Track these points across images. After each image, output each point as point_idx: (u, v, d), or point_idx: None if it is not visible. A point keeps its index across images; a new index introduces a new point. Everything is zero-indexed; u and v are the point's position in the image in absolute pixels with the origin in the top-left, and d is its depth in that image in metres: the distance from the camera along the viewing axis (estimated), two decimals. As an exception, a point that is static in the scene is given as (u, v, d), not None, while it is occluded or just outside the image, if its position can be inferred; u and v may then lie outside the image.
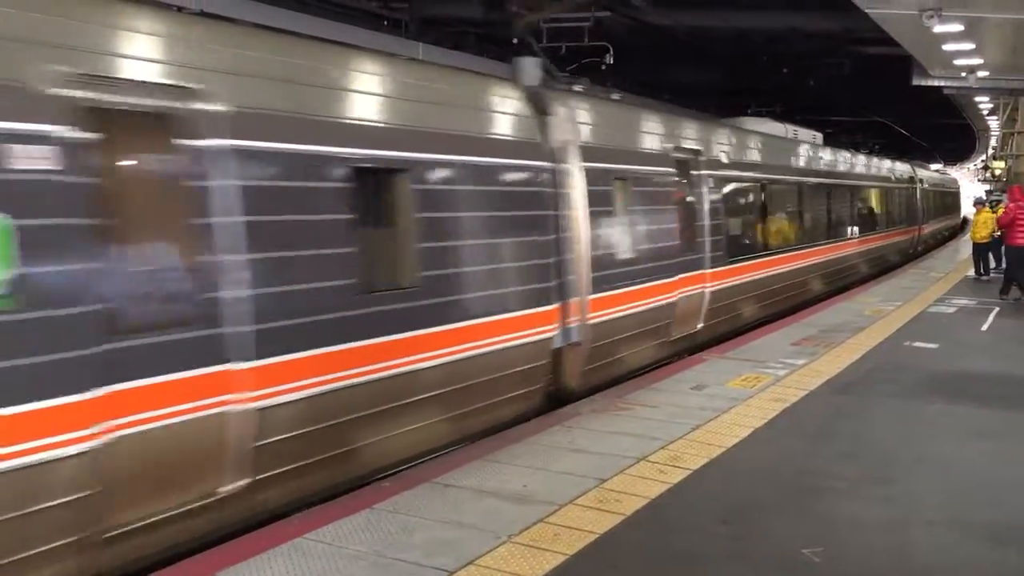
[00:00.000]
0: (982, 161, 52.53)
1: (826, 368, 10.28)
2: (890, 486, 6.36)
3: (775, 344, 11.99)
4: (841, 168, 21.52)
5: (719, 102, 28.84)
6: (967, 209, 51.61)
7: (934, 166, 50.19)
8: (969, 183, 63.23)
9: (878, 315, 14.64)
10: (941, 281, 20.56)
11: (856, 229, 22.27)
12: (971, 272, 21.58)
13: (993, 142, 40.33)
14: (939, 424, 8.08)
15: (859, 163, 23.76)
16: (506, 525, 5.54)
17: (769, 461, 6.93)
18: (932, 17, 13.42)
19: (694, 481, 6.44)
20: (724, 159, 13.75)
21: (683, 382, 9.58)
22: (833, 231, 20.05)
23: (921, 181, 31.64)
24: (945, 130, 38.79)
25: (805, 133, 19.87)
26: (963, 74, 19.56)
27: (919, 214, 30.99)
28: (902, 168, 29.43)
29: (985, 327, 13.71)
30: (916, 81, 20.70)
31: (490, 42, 20.63)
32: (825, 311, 15.39)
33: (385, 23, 17.59)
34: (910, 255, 29.41)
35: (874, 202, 24.73)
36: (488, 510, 5.81)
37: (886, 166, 27.27)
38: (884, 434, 7.71)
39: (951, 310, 15.51)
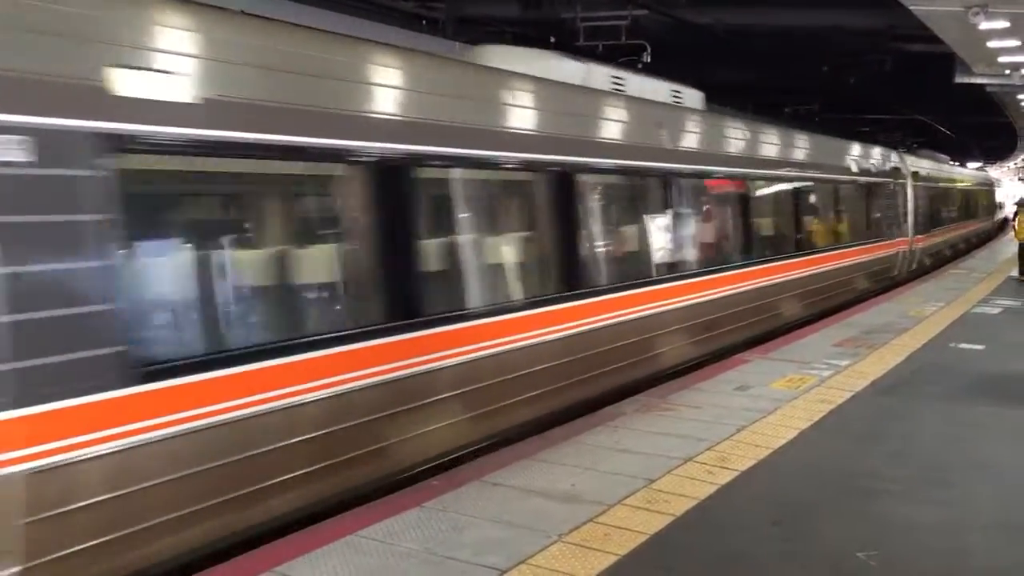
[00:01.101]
0: (1023, 159, 51.78)
1: (871, 369, 10.17)
2: (944, 489, 6.28)
3: (817, 345, 11.87)
4: (724, 149, 12.67)
5: (758, 100, 28.68)
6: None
7: (973, 164, 49.23)
8: (1010, 182, 62.43)
9: (921, 316, 14.45)
10: (984, 282, 20.26)
11: (736, 255, 12.66)
12: (1014, 272, 21.25)
13: (1035, 140, 39.73)
14: (989, 427, 7.96)
15: (774, 143, 14.59)
16: (556, 524, 5.54)
17: (818, 463, 6.86)
18: (978, 14, 13.24)
19: (743, 482, 6.40)
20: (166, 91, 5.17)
21: (726, 383, 9.51)
22: (669, 263, 10.78)
23: (915, 175, 22.91)
24: (985, 128, 38.21)
25: (656, 87, 11.61)
26: (1007, 71, 19.25)
27: (906, 221, 21.67)
28: (873, 154, 20.05)
29: (1032, 328, 13.50)
30: (959, 79, 20.40)
31: (527, 41, 20.66)
32: (866, 312, 15.22)
33: (423, 23, 17.66)
34: (889, 281, 20.24)
35: (790, 208, 15.13)
36: (537, 509, 5.81)
37: (837, 150, 17.98)
38: (934, 436, 7.61)
39: (996, 311, 15.28)
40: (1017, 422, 8.08)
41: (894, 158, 21.64)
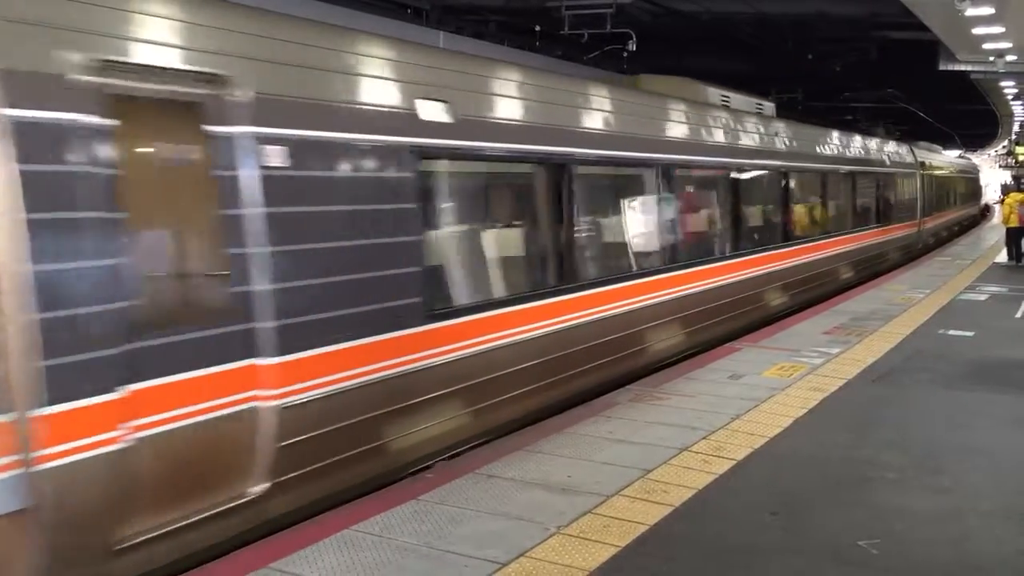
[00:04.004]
0: (1004, 147, 52.10)
1: (862, 357, 10.17)
2: (940, 476, 6.27)
3: (807, 332, 11.86)
4: None
5: (742, 88, 28.60)
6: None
7: (954, 152, 49.26)
8: (990, 169, 62.93)
9: (908, 303, 14.48)
10: (970, 268, 20.33)
11: None
12: (999, 258, 21.34)
13: (1016, 127, 39.98)
14: (982, 412, 7.97)
15: None
16: (554, 516, 5.48)
17: (814, 451, 6.84)
18: (964, 0, 13.25)
19: (739, 471, 6.37)
20: None
21: (718, 371, 9.48)
22: None
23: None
24: (967, 116, 38.34)
25: None
26: (991, 58, 19.30)
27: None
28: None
29: (1019, 314, 13.55)
30: (943, 66, 20.45)
31: (511, 30, 20.53)
32: (854, 299, 15.24)
33: (408, 11, 17.51)
34: None
35: None
36: (534, 501, 5.75)
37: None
38: (928, 423, 7.61)
39: (983, 297, 15.33)
40: (1010, 408, 8.09)
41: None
